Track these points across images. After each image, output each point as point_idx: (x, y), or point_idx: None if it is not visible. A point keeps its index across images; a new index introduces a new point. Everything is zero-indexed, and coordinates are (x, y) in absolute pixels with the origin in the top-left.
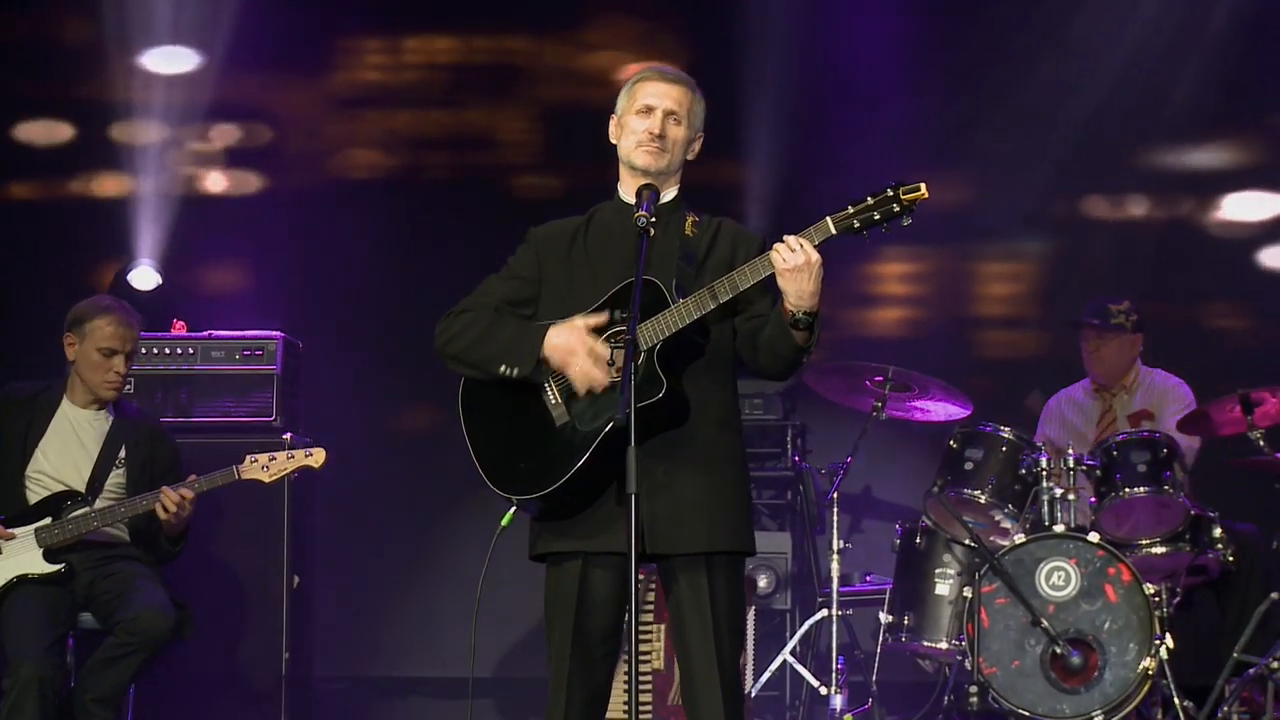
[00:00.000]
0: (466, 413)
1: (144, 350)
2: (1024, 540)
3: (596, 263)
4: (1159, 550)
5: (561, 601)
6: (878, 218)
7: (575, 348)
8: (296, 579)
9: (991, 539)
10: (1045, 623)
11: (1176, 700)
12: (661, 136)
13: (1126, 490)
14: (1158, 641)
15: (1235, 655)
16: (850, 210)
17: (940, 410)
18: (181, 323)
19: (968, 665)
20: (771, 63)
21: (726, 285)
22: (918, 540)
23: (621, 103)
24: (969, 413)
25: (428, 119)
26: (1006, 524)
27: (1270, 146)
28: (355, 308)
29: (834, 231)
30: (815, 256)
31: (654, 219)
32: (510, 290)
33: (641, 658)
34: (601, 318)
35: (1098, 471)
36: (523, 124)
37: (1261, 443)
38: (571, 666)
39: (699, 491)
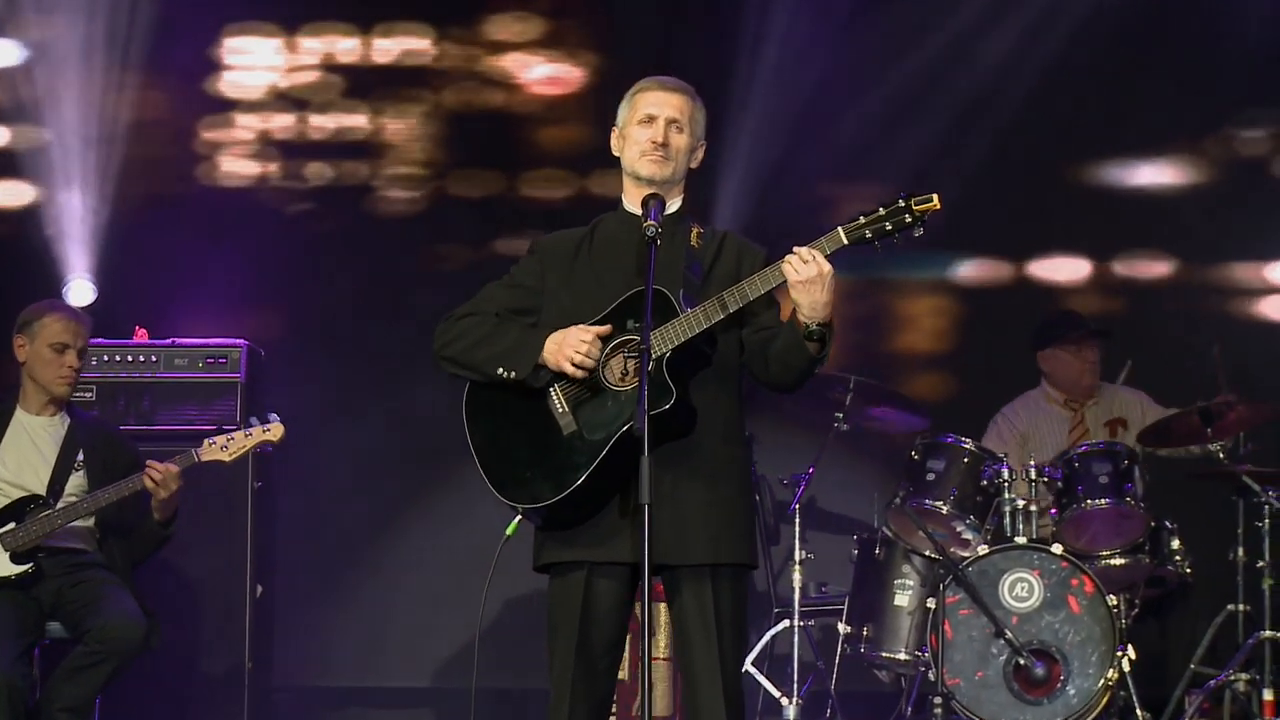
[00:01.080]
0: (470, 421)
1: (106, 357)
2: (988, 551)
3: (601, 273)
4: (1118, 561)
5: (565, 612)
6: (889, 228)
7: (564, 338)
8: (259, 588)
9: (952, 550)
10: (1009, 634)
11: (1139, 711)
12: (665, 145)
13: (1088, 502)
14: (1120, 653)
15: (1192, 667)
16: (861, 220)
17: (900, 421)
18: (143, 330)
19: (931, 676)
20: (682, 57)
21: (736, 295)
22: (876, 551)
23: (622, 114)
24: (927, 424)
25: (309, 124)
26: (968, 535)
27: (1208, 162)
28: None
29: (845, 242)
30: (827, 267)
31: (661, 228)
32: (511, 298)
33: None
34: (606, 328)
35: (1059, 483)
36: (418, 127)
37: (1222, 455)
38: (575, 676)
39: (704, 503)
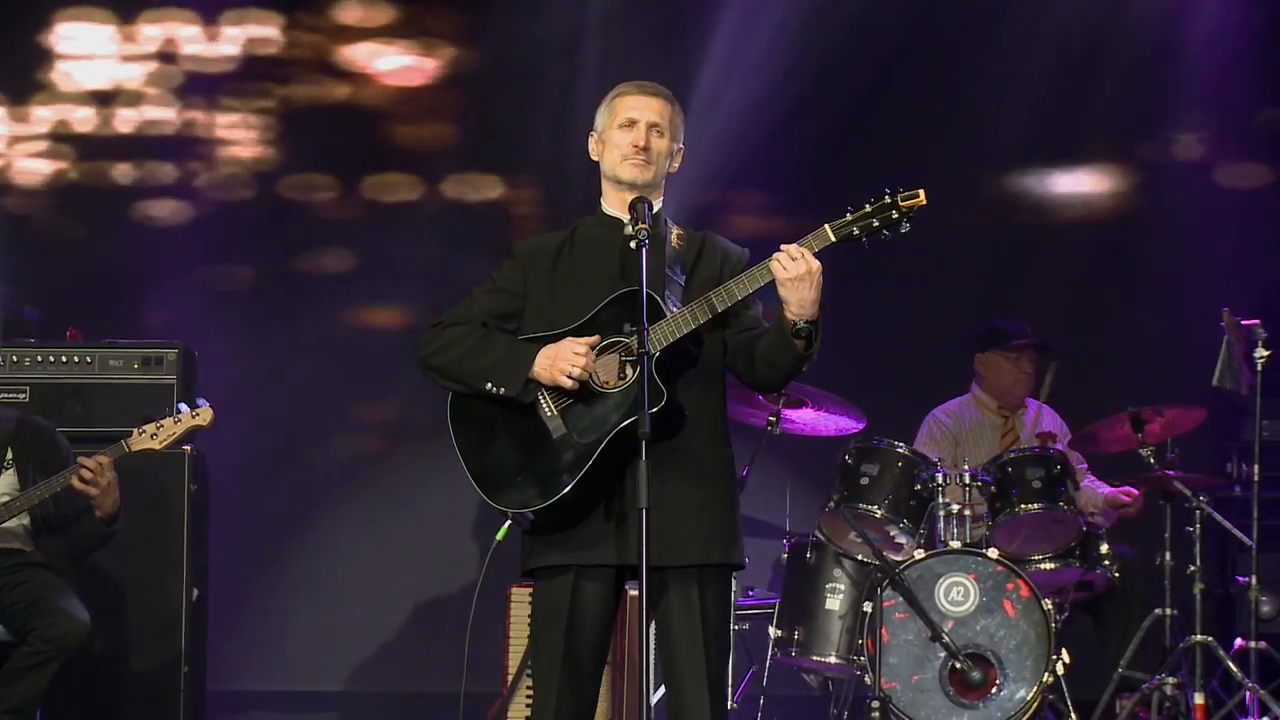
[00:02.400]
0: (457, 426)
1: (40, 358)
2: (924, 555)
3: (583, 277)
4: (1048, 566)
5: (552, 615)
6: (877, 224)
7: (560, 353)
8: (195, 591)
9: (885, 554)
10: (946, 638)
11: (1074, 715)
12: (646, 149)
13: (1022, 506)
14: (1055, 656)
15: (1120, 671)
16: (849, 217)
17: (831, 424)
18: (76, 331)
19: (868, 680)
20: (537, 52)
21: (724, 294)
22: (808, 555)
23: (601, 119)
24: (863, 427)
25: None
26: (901, 539)
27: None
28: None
29: (833, 239)
30: (816, 264)
31: (651, 231)
32: (495, 304)
33: None
34: (593, 339)
35: (993, 487)
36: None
37: (1151, 460)
38: (560, 679)
39: (692, 504)
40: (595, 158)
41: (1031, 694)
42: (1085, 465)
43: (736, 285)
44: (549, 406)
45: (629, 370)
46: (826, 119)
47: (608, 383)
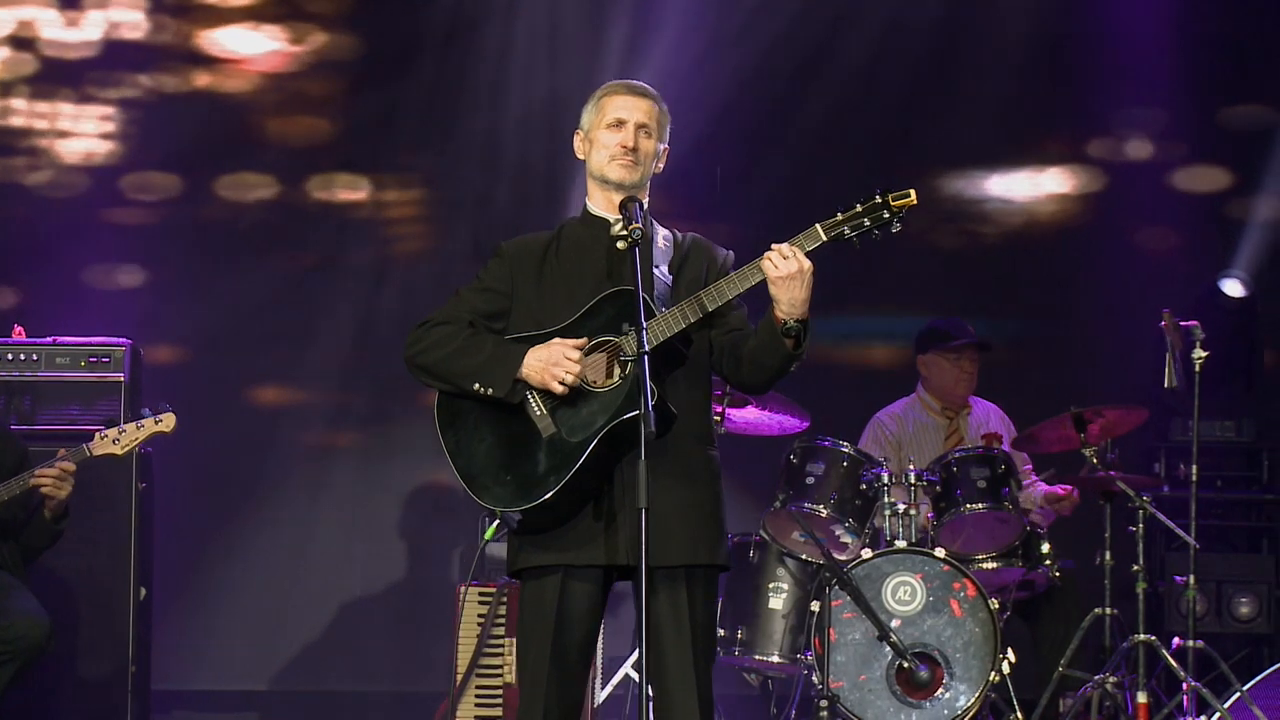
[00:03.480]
0: (444, 426)
1: None
2: (871, 555)
3: (570, 277)
4: (990, 565)
5: (540, 616)
6: (868, 224)
7: (552, 357)
8: (143, 591)
9: (832, 553)
10: (894, 637)
11: (1019, 713)
12: (635, 150)
13: (967, 506)
14: (1001, 656)
15: (1061, 669)
16: (840, 217)
17: (775, 423)
18: (20, 328)
19: (815, 679)
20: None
21: (714, 294)
22: (750, 554)
23: (588, 118)
24: (806, 425)
25: None
26: (847, 538)
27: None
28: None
29: (824, 238)
30: (807, 263)
31: (643, 230)
32: (483, 302)
33: (493, 672)
34: (581, 341)
35: (938, 487)
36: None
37: (1095, 460)
38: (549, 680)
39: (680, 504)
40: (581, 156)
41: (978, 693)
42: (1030, 466)
43: (727, 284)
44: (538, 406)
45: (617, 370)
46: (754, 122)
47: (595, 382)
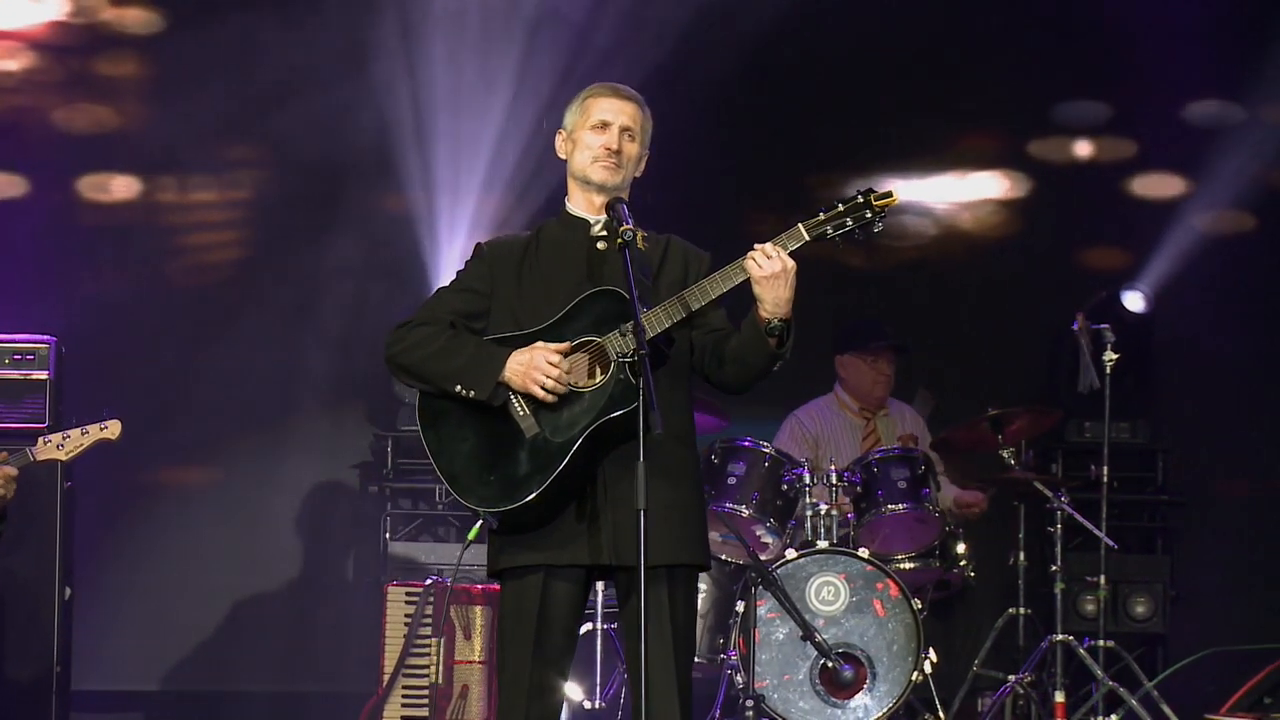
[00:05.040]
0: (426, 425)
1: None
2: (796, 555)
3: (550, 278)
4: (908, 566)
5: (522, 615)
6: (850, 223)
7: (534, 362)
8: (69, 590)
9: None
10: (819, 636)
11: (941, 712)
12: (618, 152)
13: (888, 506)
14: (923, 655)
15: (975, 669)
16: (822, 216)
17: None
18: None
19: (738, 679)
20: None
21: (698, 293)
22: None
23: (571, 118)
24: (726, 425)
25: None
26: (768, 539)
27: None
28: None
29: (807, 238)
30: (791, 262)
31: (634, 231)
32: (462, 302)
33: (420, 672)
34: (564, 345)
35: (858, 487)
36: None
37: (1011, 461)
38: (530, 680)
39: (664, 504)
40: (563, 156)
41: (901, 693)
42: (942, 467)
43: (711, 284)
44: (521, 407)
45: (599, 371)
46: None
47: (578, 383)
